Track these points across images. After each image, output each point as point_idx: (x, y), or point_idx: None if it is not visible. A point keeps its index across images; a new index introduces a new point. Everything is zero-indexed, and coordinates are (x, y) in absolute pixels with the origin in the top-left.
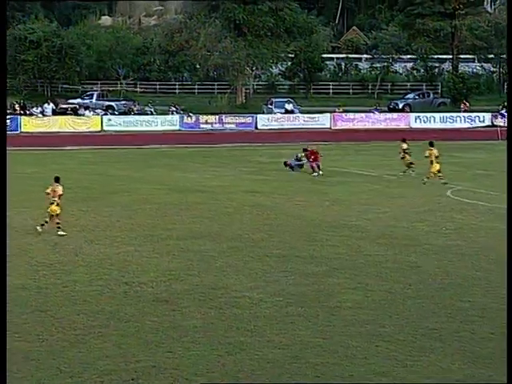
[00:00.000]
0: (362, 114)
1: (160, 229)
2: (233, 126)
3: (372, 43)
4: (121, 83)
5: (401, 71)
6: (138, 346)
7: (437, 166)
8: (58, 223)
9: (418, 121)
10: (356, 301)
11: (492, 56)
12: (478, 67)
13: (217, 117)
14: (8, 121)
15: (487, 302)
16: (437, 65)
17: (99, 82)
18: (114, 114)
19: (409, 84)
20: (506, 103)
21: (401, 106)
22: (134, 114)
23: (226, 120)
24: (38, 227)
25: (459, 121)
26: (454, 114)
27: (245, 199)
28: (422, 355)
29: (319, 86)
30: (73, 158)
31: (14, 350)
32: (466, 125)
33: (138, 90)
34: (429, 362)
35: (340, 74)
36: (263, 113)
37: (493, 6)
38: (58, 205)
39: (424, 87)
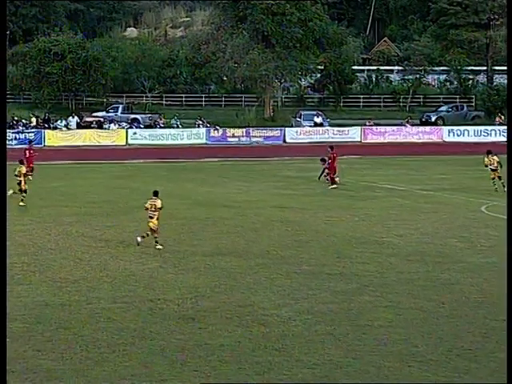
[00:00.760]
0: (394, 127)
1: (186, 245)
2: (260, 139)
3: (404, 54)
4: (146, 96)
5: (433, 83)
6: (163, 364)
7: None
8: (155, 237)
9: (451, 134)
10: (387, 319)
11: None
12: None
13: (244, 130)
14: (32, 134)
15: None
16: (471, 77)
17: (124, 95)
18: (140, 128)
19: (441, 96)
20: None
21: (434, 119)
22: (160, 127)
23: (253, 133)
24: (139, 238)
25: (494, 134)
26: (489, 128)
27: (273, 214)
28: (456, 376)
29: (349, 98)
30: (97, 172)
31: (36, 368)
32: (502, 138)
33: (164, 102)
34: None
35: (371, 87)
36: (292, 126)
37: None
38: (157, 219)
39: (458, 100)
